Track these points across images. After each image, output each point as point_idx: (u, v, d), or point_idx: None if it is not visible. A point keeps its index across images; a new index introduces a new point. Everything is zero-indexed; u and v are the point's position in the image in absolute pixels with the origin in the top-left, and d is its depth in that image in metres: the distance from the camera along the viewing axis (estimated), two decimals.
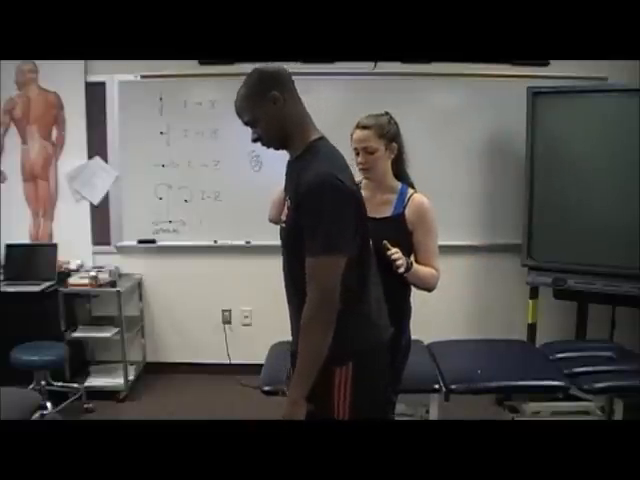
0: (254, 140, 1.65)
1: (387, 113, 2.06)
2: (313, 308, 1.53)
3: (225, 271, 3.81)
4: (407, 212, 2.00)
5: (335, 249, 1.50)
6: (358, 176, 1.98)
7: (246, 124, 1.63)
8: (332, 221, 1.49)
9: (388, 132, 2.01)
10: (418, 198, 2.05)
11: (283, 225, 1.66)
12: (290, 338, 1.71)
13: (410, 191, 2.07)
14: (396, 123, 2.06)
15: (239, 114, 1.63)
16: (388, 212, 2.02)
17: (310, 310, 1.53)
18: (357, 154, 2.02)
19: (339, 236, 1.51)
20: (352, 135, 2.04)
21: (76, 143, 3.72)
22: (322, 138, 1.63)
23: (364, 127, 2.00)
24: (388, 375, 1.76)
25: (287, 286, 1.70)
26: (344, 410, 1.60)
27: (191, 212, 3.74)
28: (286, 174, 1.69)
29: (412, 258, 2.01)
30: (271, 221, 1.99)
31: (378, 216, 1.98)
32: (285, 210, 1.64)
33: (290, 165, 1.67)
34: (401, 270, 1.85)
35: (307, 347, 1.56)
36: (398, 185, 2.07)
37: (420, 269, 1.96)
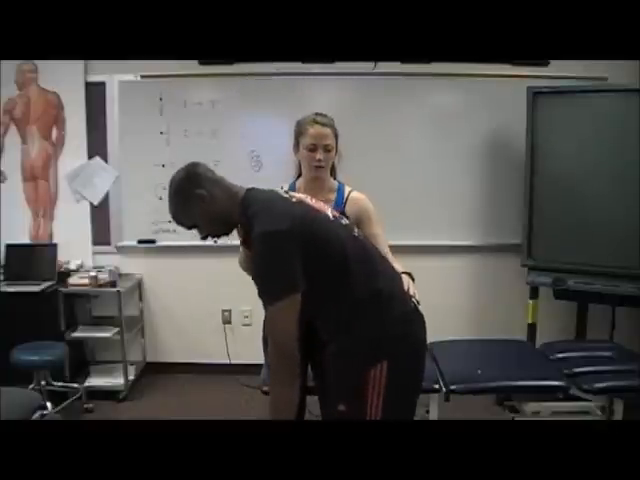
0: (204, 238, 1.71)
1: None
2: (273, 362, 1.58)
3: (225, 271, 3.76)
4: (347, 209, 2.01)
5: (280, 293, 1.52)
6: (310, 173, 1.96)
7: (190, 228, 1.68)
8: (271, 269, 1.53)
9: (337, 134, 2.04)
10: (355, 194, 2.08)
11: None
12: None
13: (347, 188, 2.09)
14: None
15: (180, 224, 1.67)
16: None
17: (272, 364, 1.58)
18: (312, 150, 1.99)
19: (280, 279, 1.53)
20: (305, 131, 2.01)
21: (76, 143, 3.72)
22: (244, 201, 1.63)
23: (324, 124, 2.00)
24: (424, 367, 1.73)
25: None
26: (376, 411, 1.59)
27: None
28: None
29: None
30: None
31: None
32: None
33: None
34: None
35: (274, 403, 1.59)
36: (335, 184, 2.10)
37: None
